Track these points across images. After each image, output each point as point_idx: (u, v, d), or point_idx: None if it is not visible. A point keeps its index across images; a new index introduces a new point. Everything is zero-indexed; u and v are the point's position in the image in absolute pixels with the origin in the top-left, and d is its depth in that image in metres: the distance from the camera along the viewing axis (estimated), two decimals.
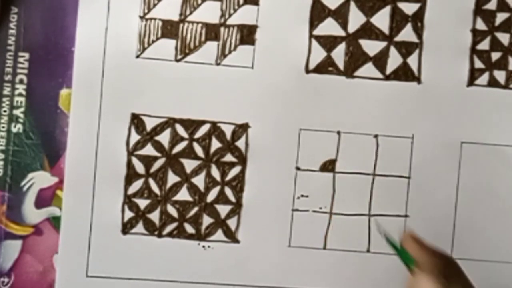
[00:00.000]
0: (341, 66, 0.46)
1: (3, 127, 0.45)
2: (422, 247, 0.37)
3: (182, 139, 0.46)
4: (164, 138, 0.46)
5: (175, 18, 0.45)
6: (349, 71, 0.46)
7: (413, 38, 0.46)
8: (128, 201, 0.46)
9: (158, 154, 0.46)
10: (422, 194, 0.46)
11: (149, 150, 0.45)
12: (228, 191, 0.46)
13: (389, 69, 0.46)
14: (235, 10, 0.45)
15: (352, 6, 0.46)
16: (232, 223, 0.46)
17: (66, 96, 0.45)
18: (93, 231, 0.45)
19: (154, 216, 0.46)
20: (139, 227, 0.46)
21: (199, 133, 0.46)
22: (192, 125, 0.46)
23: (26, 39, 0.45)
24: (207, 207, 0.46)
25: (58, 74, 0.45)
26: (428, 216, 0.46)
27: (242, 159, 0.46)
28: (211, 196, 0.46)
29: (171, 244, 0.46)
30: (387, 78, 0.46)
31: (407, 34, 0.46)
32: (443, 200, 0.46)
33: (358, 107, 0.46)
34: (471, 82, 0.47)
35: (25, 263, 0.45)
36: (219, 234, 0.46)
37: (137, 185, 0.46)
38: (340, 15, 0.46)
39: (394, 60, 0.46)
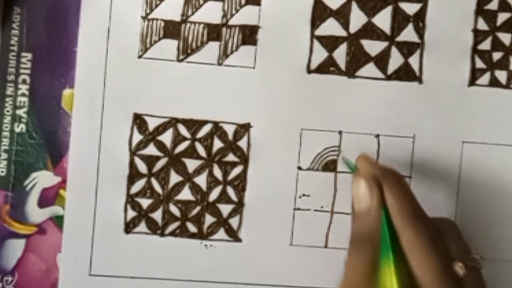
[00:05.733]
0: (342, 66, 0.46)
1: (6, 127, 0.45)
2: (370, 161, 0.42)
3: (184, 139, 0.46)
4: (166, 138, 0.46)
5: (177, 18, 0.45)
6: (350, 71, 0.46)
7: (415, 38, 0.46)
8: (131, 200, 0.46)
9: (161, 154, 0.46)
10: (423, 194, 0.46)
11: (151, 150, 0.46)
12: (230, 191, 0.46)
13: (391, 69, 0.46)
14: (237, 11, 0.45)
15: (354, 6, 0.46)
16: (234, 222, 0.46)
17: (69, 96, 0.45)
18: (96, 230, 0.46)
19: (157, 216, 0.46)
20: (142, 226, 0.46)
21: (201, 133, 0.46)
22: (194, 125, 0.46)
23: (29, 39, 0.45)
24: (209, 207, 0.46)
25: (61, 74, 0.45)
26: (429, 216, 0.46)
27: (244, 159, 0.46)
28: (213, 195, 0.46)
29: (174, 243, 0.46)
30: (389, 78, 0.46)
31: (408, 34, 0.46)
32: (444, 199, 0.46)
33: (359, 107, 0.46)
34: (472, 82, 0.47)
35: (29, 262, 0.46)
36: (221, 233, 0.46)
37: (139, 184, 0.46)
38: (342, 15, 0.46)
39: (395, 60, 0.46)
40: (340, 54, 0.46)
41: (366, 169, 0.42)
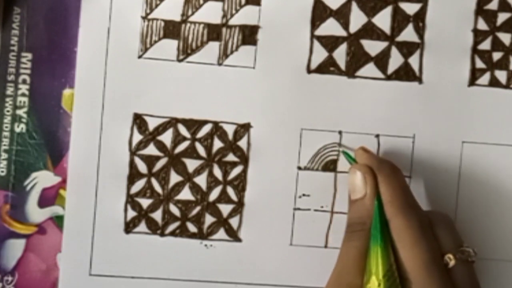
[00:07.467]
0: (342, 66, 0.46)
1: (6, 127, 0.45)
2: (367, 153, 0.44)
3: (184, 139, 0.46)
4: (166, 138, 0.46)
5: (177, 18, 0.45)
6: (350, 71, 0.46)
7: (415, 38, 0.46)
8: (131, 200, 0.46)
9: (161, 154, 0.46)
10: (423, 194, 0.46)
11: (151, 149, 0.46)
12: (230, 191, 0.46)
13: (391, 69, 0.46)
14: (237, 11, 0.45)
15: (354, 6, 0.46)
16: (234, 222, 0.46)
17: (69, 96, 0.45)
18: (96, 230, 0.46)
19: (157, 215, 0.46)
20: (142, 226, 0.46)
21: (201, 133, 0.46)
22: (194, 125, 0.46)
23: (29, 39, 0.45)
24: (209, 206, 0.46)
25: (61, 74, 0.45)
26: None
27: (244, 159, 0.46)
28: (213, 195, 0.46)
29: (174, 243, 0.46)
30: (389, 78, 0.46)
31: (408, 34, 0.46)
32: (444, 199, 0.46)
33: (359, 107, 0.46)
34: (472, 82, 0.47)
35: (29, 262, 0.46)
36: (221, 233, 0.46)
37: (139, 184, 0.46)
38: (342, 15, 0.46)
39: (395, 60, 0.46)
40: (340, 54, 0.46)
41: (363, 160, 0.44)
